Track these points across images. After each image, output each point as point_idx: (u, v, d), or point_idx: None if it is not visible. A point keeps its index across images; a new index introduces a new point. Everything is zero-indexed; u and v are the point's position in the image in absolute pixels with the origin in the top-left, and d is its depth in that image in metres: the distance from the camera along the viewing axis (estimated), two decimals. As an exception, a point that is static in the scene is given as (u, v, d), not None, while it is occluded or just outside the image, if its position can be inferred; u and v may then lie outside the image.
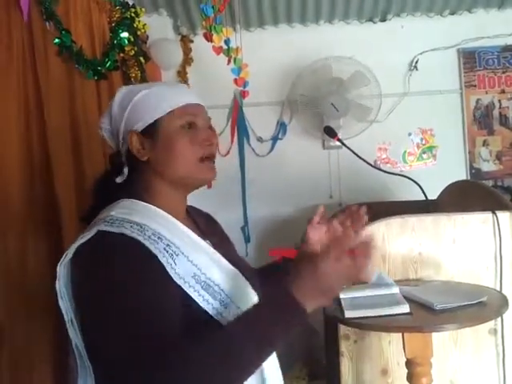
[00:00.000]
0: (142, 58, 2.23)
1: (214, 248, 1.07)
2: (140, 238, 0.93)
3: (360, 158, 2.43)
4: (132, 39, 2.15)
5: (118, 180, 1.08)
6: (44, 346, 1.70)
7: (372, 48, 3.00)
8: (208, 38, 2.38)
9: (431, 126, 3.07)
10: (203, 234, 1.10)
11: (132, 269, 0.91)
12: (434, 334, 1.41)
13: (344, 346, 1.72)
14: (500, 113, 3.06)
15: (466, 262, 1.73)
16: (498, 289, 1.68)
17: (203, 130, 1.09)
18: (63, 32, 1.81)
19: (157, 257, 0.93)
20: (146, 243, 0.93)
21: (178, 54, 2.85)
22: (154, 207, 1.05)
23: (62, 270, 0.96)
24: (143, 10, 2.36)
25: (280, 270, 1.19)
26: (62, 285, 0.97)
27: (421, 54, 3.03)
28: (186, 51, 3.01)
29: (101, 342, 0.89)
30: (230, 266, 1.06)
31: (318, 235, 1.10)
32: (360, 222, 1.04)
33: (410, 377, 1.41)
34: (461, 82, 3.07)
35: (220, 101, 2.95)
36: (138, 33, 2.28)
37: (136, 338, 0.84)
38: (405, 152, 3.08)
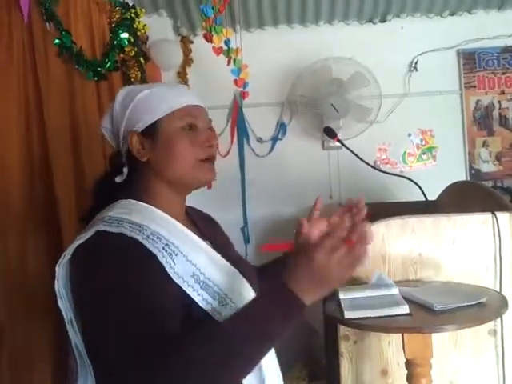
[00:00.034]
0: (142, 59, 2.23)
1: (214, 248, 1.08)
2: (139, 238, 0.93)
3: (360, 158, 2.43)
4: (132, 40, 2.15)
5: (118, 180, 1.09)
6: (44, 346, 1.70)
7: (372, 49, 3.00)
8: (208, 38, 2.39)
9: (431, 126, 3.07)
10: (202, 235, 1.10)
11: (131, 268, 0.91)
12: (434, 335, 1.41)
13: (344, 347, 1.72)
14: (500, 114, 3.07)
15: (465, 262, 1.73)
16: (498, 290, 1.68)
17: (203, 132, 1.09)
18: (63, 33, 1.82)
19: (156, 256, 0.93)
20: (145, 243, 0.93)
21: (177, 54, 2.85)
22: (154, 208, 1.05)
23: (61, 270, 0.96)
24: (143, 10, 2.36)
25: (281, 266, 1.19)
26: (60, 285, 0.97)
27: (420, 54, 3.04)
28: (186, 52, 3.01)
29: (101, 341, 0.89)
30: (230, 266, 1.06)
31: (318, 230, 1.07)
32: (360, 214, 1.01)
33: (409, 377, 1.41)
34: (460, 83, 3.07)
35: (220, 101, 2.95)
36: (138, 33, 2.28)
37: (136, 337, 0.84)
38: (404, 153, 3.08)
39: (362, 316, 1.36)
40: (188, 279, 0.95)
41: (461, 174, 3.01)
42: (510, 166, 3.05)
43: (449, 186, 2.30)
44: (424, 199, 2.25)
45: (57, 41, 1.81)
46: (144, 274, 0.91)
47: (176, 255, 0.96)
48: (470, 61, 3.06)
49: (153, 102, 1.07)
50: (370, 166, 2.51)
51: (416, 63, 3.05)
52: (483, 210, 1.74)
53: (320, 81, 2.91)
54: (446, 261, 1.73)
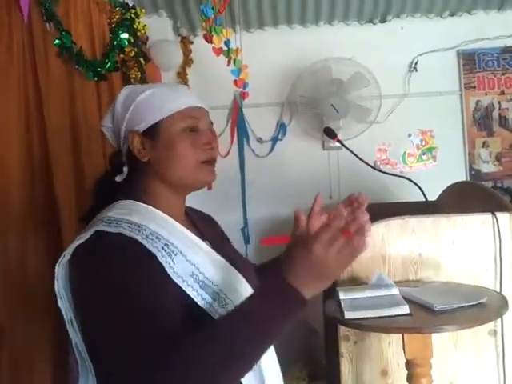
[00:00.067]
0: (141, 59, 2.23)
1: (213, 248, 1.08)
2: (138, 238, 0.93)
3: (360, 159, 2.43)
4: (132, 40, 2.15)
5: (118, 179, 1.09)
6: (44, 346, 1.70)
7: (372, 49, 3.00)
8: (208, 39, 2.39)
9: (431, 127, 3.07)
10: (202, 235, 1.11)
11: (131, 268, 0.91)
12: (434, 335, 1.41)
13: (344, 347, 1.72)
14: (500, 114, 3.07)
15: (465, 263, 1.73)
16: (498, 290, 1.68)
17: (205, 134, 1.09)
18: (63, 33, 1.82)
19: (155, 256, 0.93)
20: (144, 242, 0.93)
21: (177, 55, 2.85)
22: (153, 208, 1.05)
23: (61, 270, 0.97)
24: (143, 11, 2.36)
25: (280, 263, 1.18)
26: (60, 285, 0.97)
27: (420, 55, 3.04)
28: (186, 52, 3.01)
29: (101, 341, 0.89)
30: (229, 266, 1.06)
31: (318, 222, 1.05)
32: (361, 208, 0.97)
33: (409, 378, 1.41)
34: (460, 84, 3.07)
35: (220, 102, 2.95)
36: (138, 34, 2.28)
37: (136, 337, 0.84)
38: (404, 153, 3.08)
39: (362, 316, 1.36)
40: (187, 279, 0.95)
41: (461, 175, 3.02)
42: (510, 167, 3.06)
43: (449, 186, 2.30)
44: (424, 199, 2.25)
45: (57, 41, 1.81)
46: (143, 274, 0.91)
47: (175, 255, 0.96)
48: (470, 61, 3.06)
49: (154, 102, 1.07)
50: (370, 166, 2.51)
51: (416, 64, 3.05)
52: (483, 210, 1.74)
53: (320, 81, 2.91)
54: (446, 261, 1.73)
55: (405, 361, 1.41)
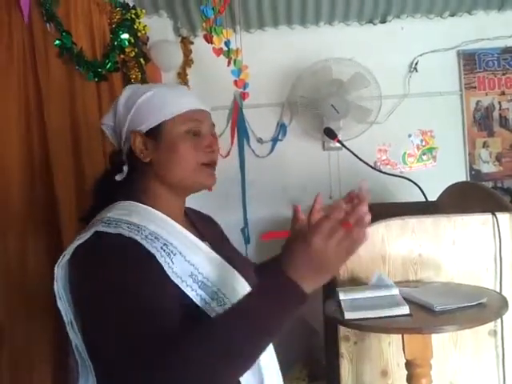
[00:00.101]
0: (142, 60, 2.23)
1: (213, 249, 1.08)
2: (137, 238, 0.93)
3: (360, 159, 2.43)
4: (132, 41, 2.15)
5: (118, 178, 1.09)
6: (44, 346, 1.70)
7: (372, 50, 3.00)
8: (208, 39, 2.39)
9: (431, 127, 3.07)
10: (202, 236, 1.11)
11: (130, 268, 0.91)
12: (434, 336, 1.41)
13: (344, 348, 1.72)
14: (500, 114, 3.07)
15: (465, 263, 1.73)
16: (498, 290, 1.68)
17: (207, 137, 1.09)
18: (64, 33, 1.82)
19: (155, 256, 0.93)
20: (144, 242, 0.93)
21: (178, 55, 2.85)
22: (153, 209, 1.05)
23: (60, 271, 0.97)
24: (143, 11, 2.36)
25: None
26: (60, 286, 0.97)
27: (421, 55, 3.04)
28: (186, 53, 3.01)
29: (101, 342, 0.89)
30: (229, 267, 1.06)
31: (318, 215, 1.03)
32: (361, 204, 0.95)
33: (409, 378, 1.41)
34: (461, 84, 3.07)
35: (220, 102, 2.95)
36: (139, 34, 2.28)
37: (135, 337, 0.84)
38: (405, 153, 3.08)
39: (362, 317, 1.36)
40: (186, 279, 0.95)
41: (461, 175, 3.01)
42: (510, 167, 3.06)
43: (449, 186, 2.30)
44: (424, 200, 2.25)
45: (57, 42, 1.81)
46: (143, 274, 0.91)
47: (174, 255, 0.96)
48: (470, 61, 3.06)
49: (159, 103, 1.07)
50: (370, 166, 2.51)
51: (416, 64, 3.05)
52: (483, 210, 1.74)
53: (320, 82, 2.91)
54: (446, 261, 1.73)
55: (405, 361, 1.41)
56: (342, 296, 1.48)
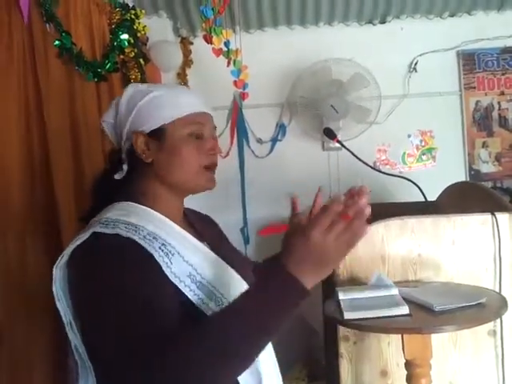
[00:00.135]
0: (141, 60, 2.24)
1: (212, 249, 1.08)
2: (135, 238, 0.93)
3: (359, 159, 2.43)
4: (132, 41, 2.15)
5: (117, 177, 1.09)
6: (44, 346, 1.70)
7: (371, 50, 3.00)
8: (208, 39, 2.39)
9: (431, 127, 3.07)
10: (200, 236, 1.11)
11: (129, 268, 0.91)
12: (434, 336, 1.41)
13: (343, 348, 1.72)
14: (499, 114, 3.07)
15: (465, 263, 1.73)
16: (497, 290, 1.69)
17: (209, 140, 1.10)
18: (63, 34, 1.82)
19: (153, 256, 0.93)
20: (142, 242, 0.93)
21: (177, 55, 2.85)
22: (151, 210, 1.05)
23: (58, 272, 0.97)
24: (143, 11, 2.36)
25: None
26: (58, 287, 0.97)
27: (420, 55, 3.04)
28: (186, 53, 3.01)
29: (100, 342, 0.89)
30: (227, 267, 1.06)
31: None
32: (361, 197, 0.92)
33: (409, 378, 1.41)
34: (460, 84, 3.07)
35: (220, 102, 2.95)
36: (138, 35, 2.28)
37: (134, 338, 0.84)
38: (404, 153, 3.08)
39: (361, 317, 1.36)
40: (184, 279, 0.95)
41: (460, 175, 3.02)
42: (510, 167, 3.06)
43: (448, 186, 2.31)
44: (424, 200, 2.25)
45: (57, 42, 1.81)
46: (141, 274, 0.91)
47: (173, 255, 0.96)
48: (470, 62, 3.06)
49: (162, 104, 1.07)
50: (370, 166, 2.51)
51: (416, 64, 3.05)
52: (483, 210, 1.74)
53: (320, 82, 2.91)
54: (445, 261, 1.73)
55: (404, 361, 1.41)
56: (341, 296, 1.48)
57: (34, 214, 1.74)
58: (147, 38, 2.51)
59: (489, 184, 3.02)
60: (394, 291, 1.50)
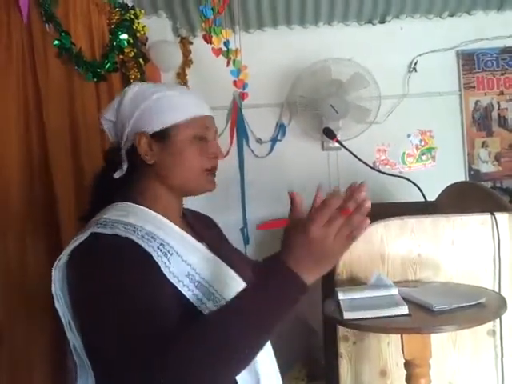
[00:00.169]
0: (141, 60, 2.23)
1: (211, 250, 1.08)
2: (133, 238, 0.93)
3: (359, 159, 2.43)
4: (131, 41, 2.15)
5: (116, 175, 1.08)
6: (44, 346, 1.70)
7: (371, 50, 3.00)
8: (207, 39, 2.39)
9: (430, 127, 3.07)
10: (199, 237, 1.11)
11: (128, 269, 0.91)
12: (433, 336, 1.41)
13: (343, 348, 1.72)
14: (499, 114, 3.07)
15: (464, 263, 1.73)
16: (497, 290, 1.69)
17: (213, 143, 1.11)
18: (63, 34, 1.82)
19: (151, 255, 0.93)
20: (140, 242, 0.93)
21: (177, 55, 2.85)
22: (150, 210, 1.05)
23: (57, 273, 0.97)
24: (142, 11, 2.36)
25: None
26: (57, 288, 0.97)
27: (420, 55, 3.04)
28: (186, 53, 3.01)
29: (100, 343, 0.89)
30: (226, 267, 1.06)
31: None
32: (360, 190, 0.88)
33: (408, 378, 1.41)
34: (460, 84, 3.07)
35: (219, 102, 2.95)
36: (138, 35, 2.28)
37: (135, 338, 0.84)
38: (404, 153, 3.09)
39: (361, 317, 1.36)
40: (183, 279, 0.95)
41: (460, 175, 3.02)
42: (509, 167, 3.06)
43: (448, 186, 2.31)
44: (423, 200, 2.25)
45: (56, 42, 1.81)
46: (141, 274, 0.91)
47: (171, 255, 0.96)
48: (469, 61, 3.06)
49: (167, 106, 1.07)
50: (370, 166, 2.50)
51: (415, 64, 3.05)
52: (482, 210, 1.74)
53: (319, 82, 2.91)
54: (445, 261, 1.73)
55: (404, 361, 1.41)
56: (341, 296, 1.48)
57: (33, 214, 1.74)
58: (147, 38, 2.51)
59: (488, 184, 3.02)
60: (394, 291, 1.50)
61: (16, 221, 1.70)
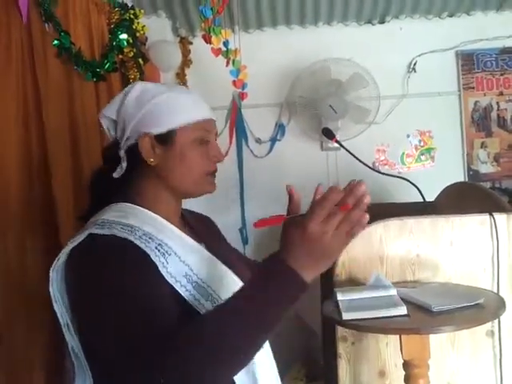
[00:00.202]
0: (140, 60, 2.23)
1: (209, 250, 1.08)
2: (131, 238, 0.93)
3: (358, 159, 2.43)
4: (131, 41, 2.15)
5: (116, 175, 1.08)
6: (43, 346, 1.70)
7: (370, 50, 3.00)
8: (207, 39, 2.39)
9: (429, 127, 3.07)
10: (198, 237, 1.11)
11: (127, 269, 0.91)
12: (432, 336, 1.41)
13: (342, 348, 1.72)
14: (498, 115, 3.07)
15: (463, 263, 1.73)
16: (495, 291, 1.69)
17: (213, 146, 1.11)
18: (62, 33, 1.81)
19: (149, 256, 0.93)
20: (137, 242, 0.93)
21: (176, 55, 2.85)
22: (149, 211, 1.05)
23: (55, 274, 0.97)
24: (142, 11, 2.36)
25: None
26: (55, 289, 0.97)
27: (419, 56, 3.04)
28: (185, 53, 3.02)
29: (99, 343, 0.89)
30: (224, 268, 1.06)
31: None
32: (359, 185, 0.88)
33: (407, 379, 1.41)
34: (459, 84, 3.07)
35: (218, 102, 2.95)
36: (137, 34, 2.28)
37: (135, 338, 0.84)
38: (403, 154, 3.09)
39: (359, 317, 1.36)
40: (181, 279, 0.95)
41: (459, 175, 3.02)
42: (508, 167, 3.06)
43: (447, 187, 2.31)
44: (422, 200, 2.25)
45: (56, 42, 1.81)
46: (140, 274, 0.91)
47: (169, 255, 0.96)
48: (469, 62, 3.06)
49: (173, 108, 1.06)
50: (369, 167, 2.51)
51: (415, 64, 3.05)
52: (481, 211, 1.74)
53: (319, 82, 2.91)
54: (443, 262, 1.73)
55: (402, 362, 1.41)
56: (339, 296, 1.48)
57: (32, 214, 1.74)
58: (146, 38, 2.51)
59: (487, 184, 3.02)
60: (393, 292, 1.50)
61: (15, 221, 1.69)
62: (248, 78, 2.62)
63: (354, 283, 1.68)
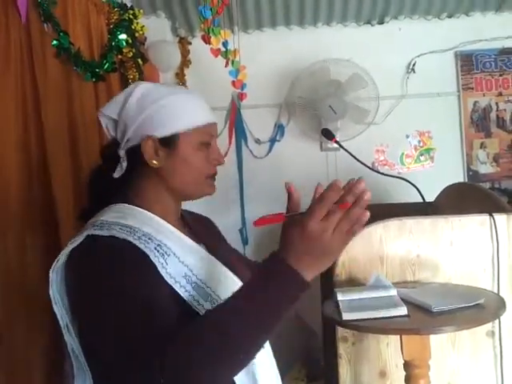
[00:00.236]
0: (140, 60, 2.23)
1: (209, 251, 1.08)
2: (130, 239, 0.93)
3: (357, 160, 2.42)
4: (130, 41, 2.14)
5: (116, 174, 1.08)
6: (43, 346, 1.69)
7: (370, 50, 3.01)
8: (206, 40, 2.39)
9: (429, 128, 3.08)
10: (197, 238, 1.11)
11: (127, 269, 0.91)
12: (432, 336, 1.41)
13: (342, 348, 1.72)
14: (497, 115, 3.08)
15: (463, 264, 1.73)
16: (496, 291, 1.69)
17: (214, 149, 1.11)
18: (61, 34, 1.81)
19: (148, 256, 0.93)
20: (137, 243, 0.93)
21: (176, 56, 2.85)
22: (148, 212, 1.05)
23: (55, 276, 0.96)
24: (141, 11, 2.35)
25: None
26: (55, 290, 0.97)
27: (418, 56, 3.05)
28: (184, 53, 3.02)
29: (99, 344, 0.89)
30: (224, 269, 1.06)
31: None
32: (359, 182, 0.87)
33: (407, 379, 1.41)
34: (458, 85, 3.08)
35: (218, 103, 2.95)
36: (136, 35, 2.27)
37: (135, 338, 0.84)
38: (402, 154, 3.09)
39: (360, 317, 1.36)
40: (180, 280, 0.95)
41: (458, 176, 3.02)
42: (508, 168, 3.07)
43: (446, 187, 2.31)
44: (422, 201, 2.25)
45: (55, 42, 1.80)
46: (138, 275, 0.91)
47: (168, 256, 0.96)
48: (468, 62, 3.07)
49: (177, 111, 1.06)
50: (368, 167, 2.50)
51: (414, 65, 3.06)
52: (481, 211, 1.74)
53: (318, 82, 2.92)
54: (443, 262, 1.73)
55: (403, 362, 1.41)
56: (340, 297, 1.48)
57: (31, 214, 1.74)
58: (145, 38, 2.50)
59: (487, 185, 3.03)
60: (393, 292, 1.49)
61: (15, 220, 1.69)
62: (247, 79, 2.61)
63: (354, 283, 1.68)
